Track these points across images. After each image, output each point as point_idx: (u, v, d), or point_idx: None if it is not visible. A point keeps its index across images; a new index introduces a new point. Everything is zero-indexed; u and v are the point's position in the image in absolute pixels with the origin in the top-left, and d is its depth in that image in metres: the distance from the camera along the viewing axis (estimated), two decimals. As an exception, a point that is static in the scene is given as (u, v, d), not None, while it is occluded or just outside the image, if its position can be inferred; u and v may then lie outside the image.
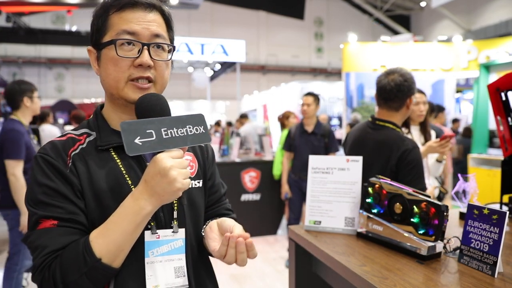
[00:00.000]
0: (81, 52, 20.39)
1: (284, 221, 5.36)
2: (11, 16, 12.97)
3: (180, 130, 0.81)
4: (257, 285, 3.65)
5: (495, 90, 1.86)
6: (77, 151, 0.87)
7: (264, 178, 5.18)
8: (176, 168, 0.76)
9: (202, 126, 0.84)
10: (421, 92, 2.72)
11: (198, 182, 1.01)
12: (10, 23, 13.15)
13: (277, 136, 5.94)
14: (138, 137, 0.76)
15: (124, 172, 0.88)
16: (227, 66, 16.37)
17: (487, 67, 6.19)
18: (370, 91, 8.11)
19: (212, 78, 19.13)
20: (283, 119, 5.15)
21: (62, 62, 21.12)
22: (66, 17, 19.56)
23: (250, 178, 5.20)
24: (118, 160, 0.89)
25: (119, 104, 0.91)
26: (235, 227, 0.88)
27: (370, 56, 8.08)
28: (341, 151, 5.92)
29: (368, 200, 1.55)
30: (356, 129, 2.18)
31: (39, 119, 5.95)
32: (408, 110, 2.02)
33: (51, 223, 0.80)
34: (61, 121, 10.90)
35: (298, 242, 1.67)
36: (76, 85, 21.69)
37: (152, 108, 0.82)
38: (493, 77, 6.11)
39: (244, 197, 5.14)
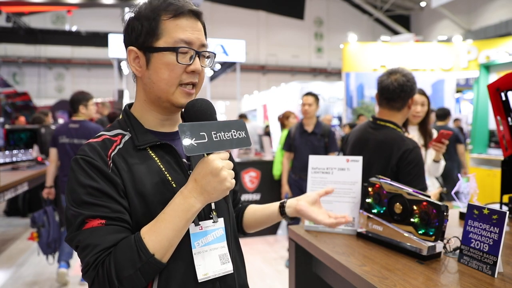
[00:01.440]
0: (81, 52, 20.39)
1: (284, 221, 5.36)
2: (11, 16, 12.98)
3: (227, 134, 0.89)
4: (257, 285, 3.64)
5: (495, 90, 1.86)
6: (115, 151, 0.90)
7: (264, 178, 5.18)
8: (226, 169, 0.84)
9: (244, 131, 0.92)
10: (421, 93, 2.64)
11: None
12: (10, 23, 13.16)
13: (277, 136, 5.94)
14: (194, 139, 0.83)
15: (163, 169, 0.92)
16: (227, 66, 16.36)
17: (487, 67, 6.19)
18: (370, 91, 8.12)
19: (212, 78, 19.12)
20: (283, 119, 5.15)
21: (62, 62, 21.12)
22: (66, 17, 19.56)
23: (250, 178, 5.20)
24: (156, 158, 0.93)
25: (162, 107, 0.95)
26: (319, 192, 1.15)
27: (370, 56, 8.08)
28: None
29: (368, 200, 1.55)
30: (357, 129, 2.18)
31: (37, 123, 5.93)
32: (409, 110, 2.02)
33: (98, 222, 0.82)
34: (61, 121, 10.89)
35: (298, 242, 1.67)
36: (76, 85, 21.66)
37: (203, 112, 0.90)
38: (493, 77, 6.11)
39: (244, 197, 5.14)
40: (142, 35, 0.91)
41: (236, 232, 1.08)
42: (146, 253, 0.80)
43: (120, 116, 1.00)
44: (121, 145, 0.92)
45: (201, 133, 0.84)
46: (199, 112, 0.89)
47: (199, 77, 0.95)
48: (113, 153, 0.89)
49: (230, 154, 1.18)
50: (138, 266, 0.79)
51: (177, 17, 0.91)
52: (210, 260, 0.93)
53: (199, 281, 0.90)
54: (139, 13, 0.92)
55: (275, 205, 1.15)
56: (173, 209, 0.84)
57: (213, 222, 0.96)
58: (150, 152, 0.93)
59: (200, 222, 0.94)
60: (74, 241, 0.84)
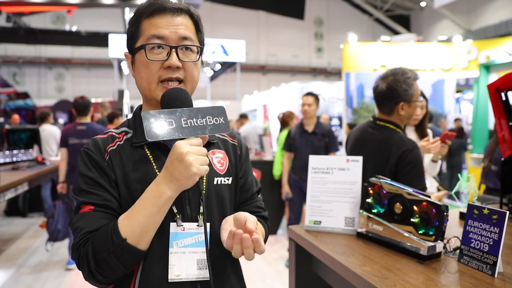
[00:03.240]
0: (81, 52, 20.39)
1: (284, 221, 5.36)
2: (11, 16, 12.98)
3: (200, 120, 0.87)
4: (257, 285, 3.64)
5: (495, 90, 1.86)
6: (114, 147, 0.96)
7: (264, 178, 5.18)
8: (193, 154, 0.82)
9: (222, 117, 0.90)
10: (421, 95, 2.65)
11: (227, 179, 1.04)
12: (10, 23, 13.16)
13: (277, 136, 5.93)
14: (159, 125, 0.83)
15: (155, 166, 0.95)
16: (227, 66, 16.37)
17: (487, 67, 6.19)
18: (370, 91, 8.07)
19: (212, 78, 19.12)
20: (287, 119, 5.11)
21: (62, 62, 21.13)
22: (66, 17, 19.56)
23: (250, 178, 5.19)
24: (150, 157, 0.96)
25: (153, 104, 0.98)
26: (247, 219, 0.88)
27: (370, 56, 8.07)
28: (341, 151, 5.93)
29: (368, 200, 1.55)
30: (358, 128, 2.18)
31: (40, 119, 5.99)
32: (403, 114, 1.95)
33: (89, 208, 0.90)
34: (61, 121, 10.88)
35: (298, 242, 1.67)
36: (76, 85, 21.67)
37: (173, 100, 0.89)
38: (493, 77, 6.11)
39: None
40: (128, 39, 0.99)
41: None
42: (118, 237, 0.83)
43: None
44: (122, 142, 0.98)
45: (168, 120, 0.84)
46: (170, 100, 0.89)
47: (184, 72, 0.95)
48: (111, 148, 0.96)
49: (245, 147, 1.14)
50: (111, 249, 0.83)
51: (152, 16, 0.94)
52: (186, 262, 0.92)
53: (169, 281, 0.90)
54: (129, 20, 0.99)
55: None
56: (146, 196, 0.86)
57: (197, 225, 0.94)
58: (146, 150, 0.97)
59: (183, 223, 0.93)
60: (71, 223, 0.92)
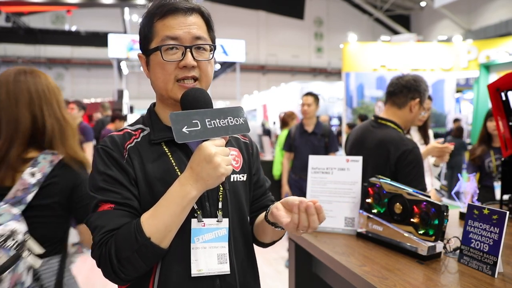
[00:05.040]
0: (81, 52, 20.39)
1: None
2: (11, 16, 12.98)
3: (222, 121, 0.89)
4: (257, 285, 3.65)
5: (495, 90, 1.86)
6: (132, 144, 0.97)
7: (264, 178, 5.18)
8: (220, 155, 0.84)
9: (242, 118, 0.92)
10: (428, 97, 2.74)
11: (243, 176, 1.07)
12: (10, 23, 13.16)
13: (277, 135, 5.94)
14: (186, 127, 0.84)
15: (174, 163, 0.96)
16: (227, 66, 16.38)
17: (487, 67, 6.20)
18: (370, 91, 8.11)
19: (212, 78, 19.09)
20: (288, 119, 5.11)
21: (62, 62, 21.13)
22: (66, 17, 19.55)
23: (250, 178, 5.19)
24: (168, 153, 0.97)
25: (169, 104, 0.99)
26: (297, 199, 0.93)
27: (370, 56, 8.07)
28: (341, 151, 5.91)
29: (368, 200, 1.55)
30: (358, 127, 2.18)
31: None
32: (411, 113, 1.99)
33: (108, 206, 0.90)
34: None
35: (298, 242, 1.67)
36: (76, 85, 21.68)
37: (196, 100, 0.91)
38: (493, 77, 6.11)
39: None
40: (142, 40, 1.00)
41: (248, 236, 1.08)
42: (142, 236, 0.84)
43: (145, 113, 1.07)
44: (139, 139, 0.99)
45: (193, 121, 0.85)
46: (193, 100, 0.90)
47: (199, 70, 0.97)
48: (130, 145, 0.96)
49: (255, 146, 1.19)
50: (135, 248, 0.83)
51: (165, 17, 0.95)
52: (207, 257, 0.94)
53: (192, 276, 0.92)
54: (141, 21, 1.00)
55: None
56: (170, 195, 0.87)
57: (217, 221, 0.96)
58: (164, 147, 0.98)
59: (204, 219, 0.95)
60: (88, 222, 0.92)
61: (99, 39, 13.66)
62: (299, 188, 4.09)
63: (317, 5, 24.00)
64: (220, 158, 0.83)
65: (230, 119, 0.90)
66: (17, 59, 19.64)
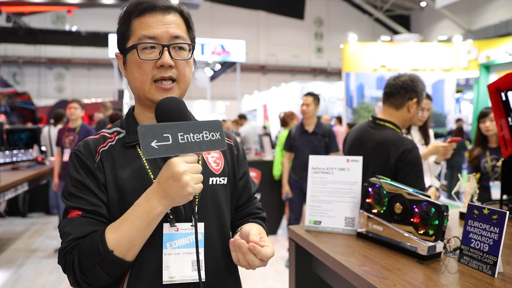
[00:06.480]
0: (81, 52, 20.40)
1: (284, 221, 5.36)
2: (11, 16, 12.98)
3: (197, 136, 0.83)
4: (257, 285, 3.65)
5: (495, 90, 1.86)
6: (105, 147, 0.94)
7: (264, 178, 5.18)
8: (189, 173, 0.79)
9: (218, 133, 0.86)
10: (427, 97, 2.74)
11: (223, 179, 1.03)
12: (10, 23, 13.17)
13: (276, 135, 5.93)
14: (155, 141, 0.78)
15: (147, 167, 0.93)
16: (227, 66, 16.37)
17: (487, 67, 6.19)
18: (370, 91, 8.11)
19: (212, 78, 19.12)
20: (288, 119, 5.11)
21: (62, 62, 21.13)
22: (66, 17, 19.56)
23: (250, 178, 5.18)
24: (143, 157, 0.93)
25: (146, 105, 0.96)
26: (251, 231, 0.90)
27: (370, 56, 8.07)
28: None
29: (368, 200, 1.55)
30: (357, 128, 2.18)
31: (54, 119, 6.17)
32: (409, 113, 1.99)
33: (76, 213, 0.88)
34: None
35: (298, 242, 1.67)
36: (76, 85, 21.68)
37: (171, 112, 0.85)
38: (493, 77, 6.11)
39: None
40: (119, 39, 0.97)
41: (228, 241, 0.99)
42: (105, 249, 0.81)
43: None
44: (113, 142, 0.95)
45: (164, 135, 0.79)
46: (166, 111, 0.85)
47: (177, 70, 0.93)
48: (103, 149, 0.93)
49: (242, 148, 1.14)
50: (97, 260, 0.81)
51: (142, 15, 0.92)
52: (180, 264, 0.90)
53: (164, 283, 0.88)
54: (118, 20, 0.97)
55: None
56: (136, 209, 0.83)
57: (191, 225, 0.92)
58: (139, 150, 0.94)
59: (177, 224, 0.91)
60: (59, 227, 0.90)
61: (99, 39, 13.67)
62: (299, 188, 4.09)
63: (317, 5, 24.01)
64: (189, 177, 0.78)
65: (206, 133, 0.84)
66: (17, 59, 19.65)
